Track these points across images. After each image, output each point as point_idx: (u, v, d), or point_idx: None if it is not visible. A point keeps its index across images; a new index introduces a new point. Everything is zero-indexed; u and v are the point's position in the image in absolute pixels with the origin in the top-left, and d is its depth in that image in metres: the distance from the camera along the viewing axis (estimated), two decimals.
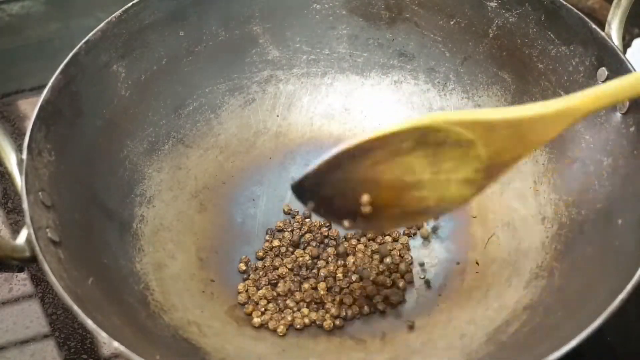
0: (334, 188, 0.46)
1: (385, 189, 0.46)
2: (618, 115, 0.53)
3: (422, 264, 0.56)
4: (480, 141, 0.43)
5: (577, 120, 0.44)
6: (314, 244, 0.57)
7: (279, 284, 0.55)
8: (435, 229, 0.58)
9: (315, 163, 0.46)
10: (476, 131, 0.43)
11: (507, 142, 0.44)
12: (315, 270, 0.56)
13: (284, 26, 0.63)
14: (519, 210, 0.58)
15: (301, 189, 0.47)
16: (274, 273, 0.55)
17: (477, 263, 0.56)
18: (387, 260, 0.56)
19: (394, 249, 0.57)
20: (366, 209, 0.46)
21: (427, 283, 0.55)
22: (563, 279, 0.51)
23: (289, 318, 0.53)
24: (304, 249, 0.57)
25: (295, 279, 0.55)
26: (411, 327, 0.53)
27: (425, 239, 0.58)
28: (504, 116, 0.43)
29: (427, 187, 0.46)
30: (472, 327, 0.52)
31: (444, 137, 0.43)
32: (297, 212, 0.59)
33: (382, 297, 0.54)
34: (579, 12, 0.56)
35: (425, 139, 0.43)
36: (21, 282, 0.58)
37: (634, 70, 0.52)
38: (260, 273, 0.55)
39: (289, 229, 0.58)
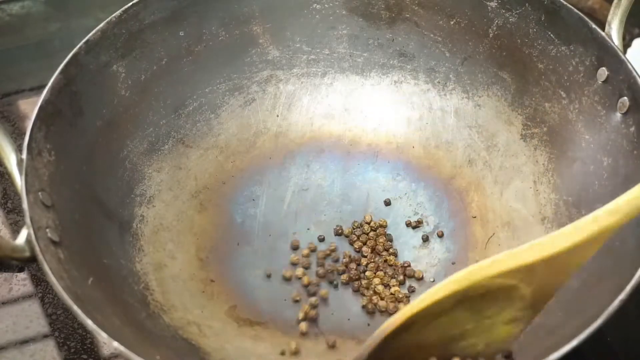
0: None
1: (432, 346, 0.45)
2: (618, 115, 0.53)
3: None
4: (522, 283, 0.43)
5: (612, 234, 0.42)
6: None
7: None
8: (436, 229, 0.58)
9: (364, 349, 0.45)
10: (517, 276, 0.42)
11: (549, 275, 0.43)
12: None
13: (284, 26, 0.63)
14: (519, 210, 0.58)
15: None
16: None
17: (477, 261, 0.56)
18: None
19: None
20: None
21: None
22: None
23: None
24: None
25: None
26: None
27: (425, 240, 0.58)
28: (543, 254, 0.42)
29: (473, 335, 0.45)
30: None
31: (486, 289, 0.42)
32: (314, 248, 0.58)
33: None
34: (579, 12, 0.56)
35: (465, 294, 0.43)
36: (21, 282, 0.58)
37: (634, 70, 0.52)
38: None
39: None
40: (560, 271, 0.43)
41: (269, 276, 0.56)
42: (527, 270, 0.42)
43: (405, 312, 0.43)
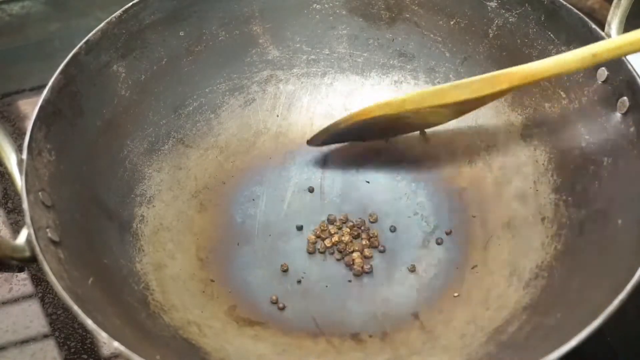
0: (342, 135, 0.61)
1: (379, 124, 0.59)
2: (618, 115, 0.53)
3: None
4: (446, 109, 0.56)
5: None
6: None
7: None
8: (438, 234, 0.59)
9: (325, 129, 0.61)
10: (441, 108, 0.56)
11: (467, 106, 0.56)
12: None
13: (284, 26, 0.63)
14: (519, 210, 0.58)
15: (315, 141, 0.62)
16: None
17: (476, 265, 0.56)
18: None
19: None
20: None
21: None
22: (563, 279, 0.52)
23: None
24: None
25: None
26: (416, 316, 0.53)
27: (440, 244, 0.58)
28: (464, 97, 0.54)
29: (412, 119, 0.58)
30: (472, 327, 0.52)
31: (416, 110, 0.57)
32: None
33: None
34: (579, 12, 0.56)
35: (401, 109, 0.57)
36: (21, 282, 0.58)
37: (634, 70, 0.52)
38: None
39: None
40: (476, 104, 0.56)
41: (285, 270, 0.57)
42: (446, 106, 0.55)
43: (346, 118, 0.59)
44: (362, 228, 0.58)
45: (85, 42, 0.55)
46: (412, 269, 0.56)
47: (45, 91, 0.51)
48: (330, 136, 0.61)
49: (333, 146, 0.63)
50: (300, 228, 0.59)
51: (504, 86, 0.52)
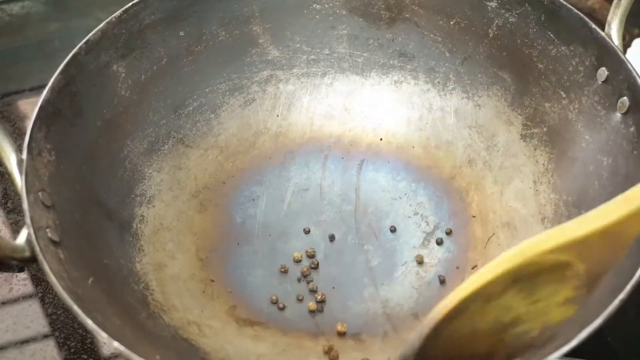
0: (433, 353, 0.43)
1: (484, 335, 0.43)
2: (618, 115, 0.53)
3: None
4: (577, 259, 0.40)
5: None
6: None
7: None
8: (440, 235, 0.59)
9: (414, 339, 0.43)
10: (571, 251, 0.40)
11: (604, 248, 0.40)
12: None
13: (284, 26, 0.63)
14: (519, 210, 0.58)
15: None
16: None
17: (476, 265, 0.56)
18: None
19: None
20: None
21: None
22: None
23: None
24: None
25: None
26: (416, 316, 0.53)
27: (440, 244, 0.57)
28: (596, 226, 0.39)
29: (527, 320, 0.43)
30: None
31: (538, 267, 0.40)
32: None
33: None
34: (579, 12, 0.56)
35: (517, 275, 0.40)
36: (21, 282, 0.58)
37: (634, 70, 0.52)
38: None
39: None
40: (615, 243, 0.40)
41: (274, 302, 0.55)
42: (582, 244, 0.39)
43: (455, 295, 0.40)
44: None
45: (85, 42, 0.55)
46: (413, 269, 0.56)
47: (45, 91, 0.51)
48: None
49: (333, 146, 0.63)
50: (307, 231, 0.59)
51: None
